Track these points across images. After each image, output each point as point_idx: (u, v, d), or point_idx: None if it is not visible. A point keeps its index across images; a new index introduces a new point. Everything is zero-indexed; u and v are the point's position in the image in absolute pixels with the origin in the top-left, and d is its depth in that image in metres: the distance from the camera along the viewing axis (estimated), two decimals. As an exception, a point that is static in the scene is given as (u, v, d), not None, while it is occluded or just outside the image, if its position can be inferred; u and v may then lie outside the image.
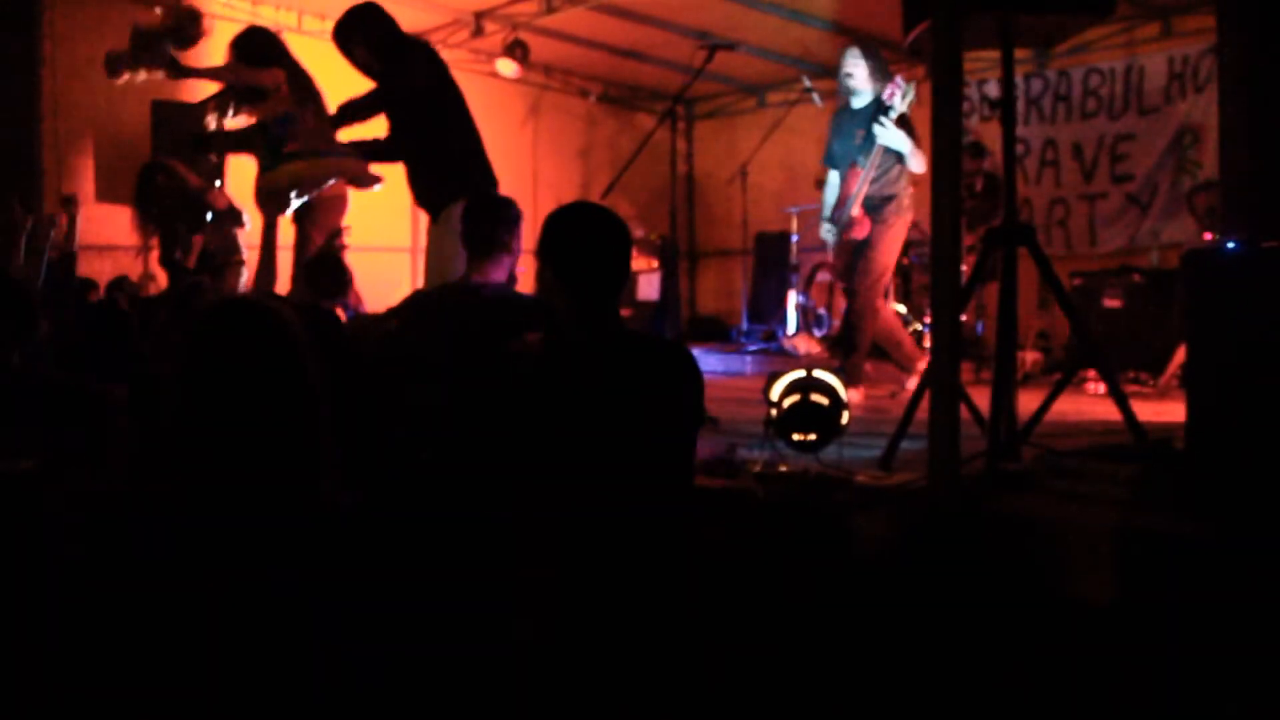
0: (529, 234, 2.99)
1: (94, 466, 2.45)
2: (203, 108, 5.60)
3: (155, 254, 6.87)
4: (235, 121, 5.34)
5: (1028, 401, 3.33)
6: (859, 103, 5.25)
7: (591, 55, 9.31)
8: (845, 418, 3.31)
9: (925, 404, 2.86)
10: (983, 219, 6.57)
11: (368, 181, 4.83)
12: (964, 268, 3.53)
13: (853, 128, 5.27)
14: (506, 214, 3.50)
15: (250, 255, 5.49)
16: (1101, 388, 4.76)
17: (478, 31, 8.46)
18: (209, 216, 6.22)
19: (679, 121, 5.01)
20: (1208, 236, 5.88)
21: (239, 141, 5.25)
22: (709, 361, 7.79)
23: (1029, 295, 6.33)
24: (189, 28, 5.01)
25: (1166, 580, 2.30)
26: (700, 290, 11.14)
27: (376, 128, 4.68)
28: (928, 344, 5.86)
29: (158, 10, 5.00)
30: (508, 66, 8.54)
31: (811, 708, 2.49)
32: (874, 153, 5.12)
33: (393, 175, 4.69)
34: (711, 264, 10.98)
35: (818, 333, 8.11)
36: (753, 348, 8.52)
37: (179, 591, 1.61)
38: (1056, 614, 2.40)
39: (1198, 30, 7.07)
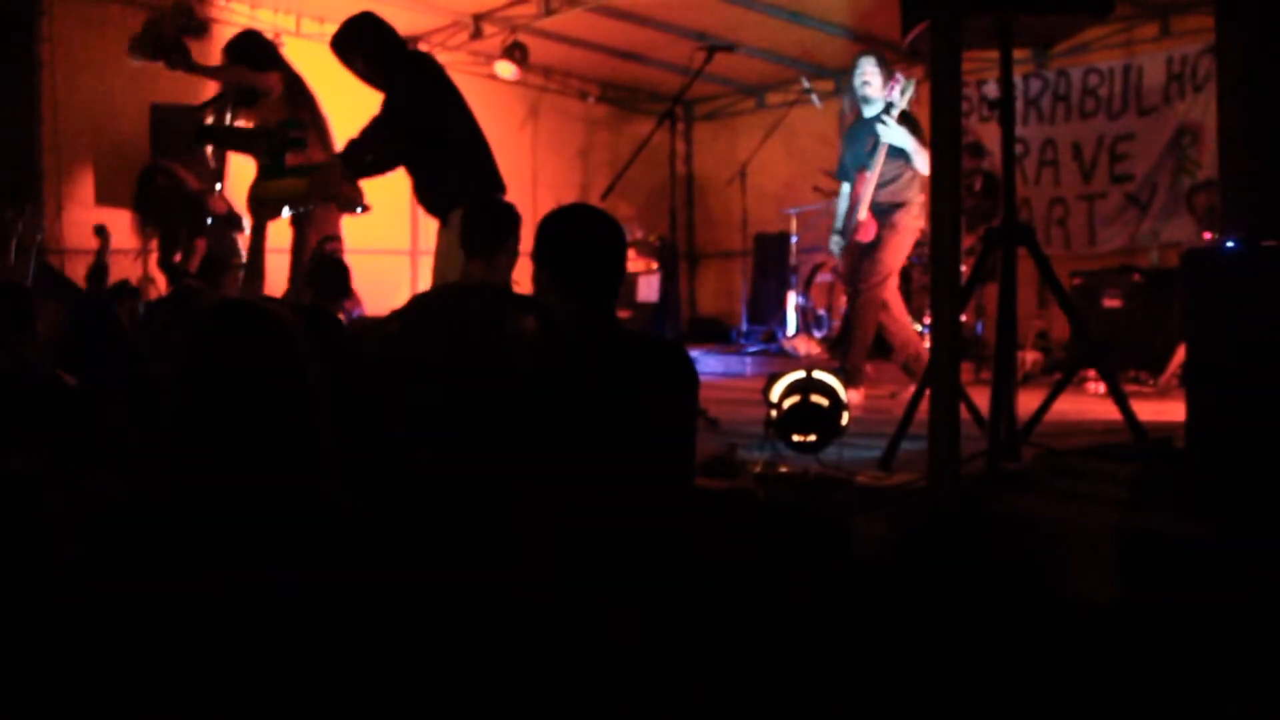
0: (528, 236, 2.99)
1: (94, 466, 2.45)
2: (201, 110, 5.62)
3: (154, 257, 6.89)
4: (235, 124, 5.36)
5: (1028, 401, 3.33)
6: (871, 111, 5.27)
7: (591, 57, 9.31)
8: (845, 418, 3.32)
9: (925, 404, 2.86)
10: (982, 219, 6.57)
11: (355, 207, 4.83)
12: (964, 268, 3.53)
13: (864, 135, 5.30)
14: (505, 217, 3.51)
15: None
16: (1102, 387, 4.76)
17: (476, 34, 8.45)
18: (209, 221, 6.23)
19: (678, 123, 5.02)
20: (1207, 236, 5.89)
21: (241, 140, 5.26)
22: (709, 363, 7.78)
23: (1029, 295, 6.35)
24: (194, 20, 5.07)
25: (1166, 580, 2.30)
26: (700, 291, 11.14)
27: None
28: (928, 344, 5.86)
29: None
30: (507, 69, 8.54)
31: (812, 708, 2.49)
32: (879, 152, 5.13)
33: (392, 175, 4.68)
34: (711, 265, 10.97)
35: (817, 334, 8.11)
36: (752, 349, 8.51)
37: (179, 592, 1.60)
38: (1056, 614, 2.40)
39: (1196, 30, 7.07)
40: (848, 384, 3.76)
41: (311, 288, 4.78)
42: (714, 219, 10.71)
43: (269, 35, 6.09)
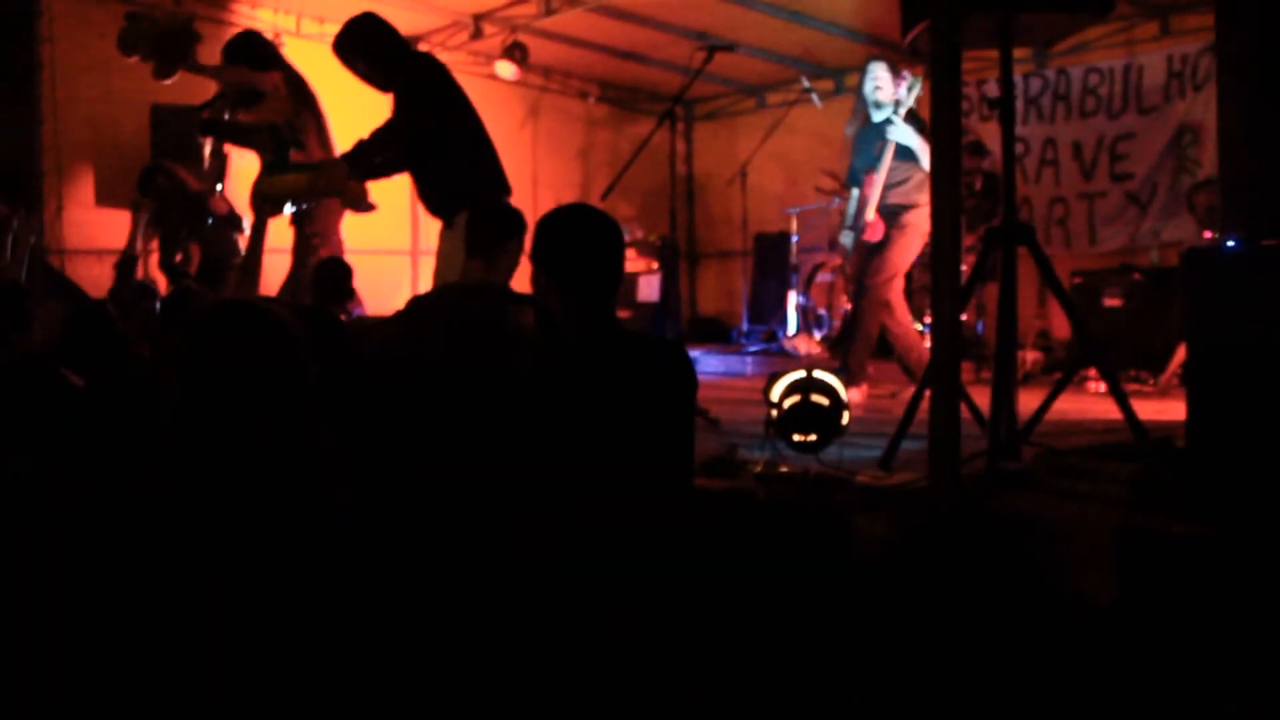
0: (528, 237, 3.00)
1: (94, 466, 2.45)
2: (201, 111, 5.62)
3: (155, 258, 6.89)
4: None
5: (1028, 401, 3.33)
6: (880, 116, 5.27)
7: (590, 57, 9.31)
8: (846, 418, 3.32)
9: (926, 404, 2.86)
10: (982, 218, 6.57)
11: (363, 207, 4.84)
12: (964, 267, 3.54)
13: (873, 139, 5.31)
14: (509, 219, 3.52)
15: (248, 258, 5.49)
16: (1102, 387, 4.76)
17: (477, 34, 8.46)
18: (209, 221, 6.24)
19: (678, 122, 5.02)
20: (1207, 235, 5.88)
21: (245, 135, 5.26)
22: (709, 362, 7.78)
23: (1029, 295, 6.35)
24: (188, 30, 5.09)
25: (1166, 580, 2.29)
26: (700, 291, 11.14)
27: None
28: (929, 344, 5.86)
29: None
30: (507, 69, 8.54)
31: (812, 708, 2.49)
32: (886, 151, 5.14)
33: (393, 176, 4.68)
34: (711, 265, 10.97)
35: (818, 333, 8.11)
36: (753, 348, 8.51)
37: (179, 591, 1.61)
38: (1057, 614, 2.40)
39: (1196, 29, 7.07)
40: (848, 383, 3.76)
41: (314, 290, 4.78)
42: (714, 219, 10.71)
43: (269, 35, 6.10)
